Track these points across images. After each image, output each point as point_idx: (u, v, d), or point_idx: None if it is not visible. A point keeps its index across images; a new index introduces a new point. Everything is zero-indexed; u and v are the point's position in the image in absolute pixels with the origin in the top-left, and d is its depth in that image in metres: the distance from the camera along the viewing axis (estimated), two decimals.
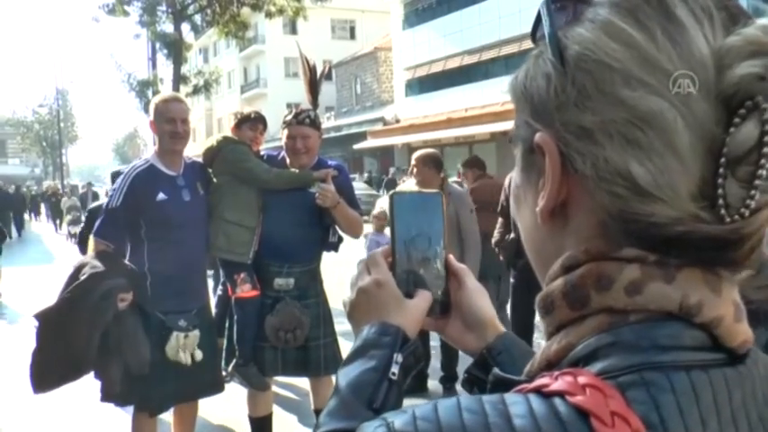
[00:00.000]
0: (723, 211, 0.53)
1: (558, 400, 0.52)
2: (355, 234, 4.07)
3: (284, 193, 3.76)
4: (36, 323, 3.36)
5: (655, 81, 0.54)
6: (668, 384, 0.53)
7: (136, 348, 3.38)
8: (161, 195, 3.57)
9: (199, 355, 3.62)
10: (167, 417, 4.06)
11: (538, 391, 0.55)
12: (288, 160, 3.88)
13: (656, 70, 0.54)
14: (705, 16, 0.55)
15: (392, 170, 30.10)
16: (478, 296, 0.96)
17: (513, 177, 0.71)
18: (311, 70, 4.04)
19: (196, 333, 3.63)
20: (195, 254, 3.76)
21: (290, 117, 3.83)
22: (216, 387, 3.88)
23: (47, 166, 74.14)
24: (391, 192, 0.97)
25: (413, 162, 5.18)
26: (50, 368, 3.37)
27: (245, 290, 3.75)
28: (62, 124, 54.42)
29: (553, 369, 0.58)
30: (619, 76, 0.55)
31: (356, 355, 0.86)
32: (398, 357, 0.85)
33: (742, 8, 0.57)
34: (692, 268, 0.56)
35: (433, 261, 0.94)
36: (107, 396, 3.56)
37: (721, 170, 0.52)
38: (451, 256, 0.96)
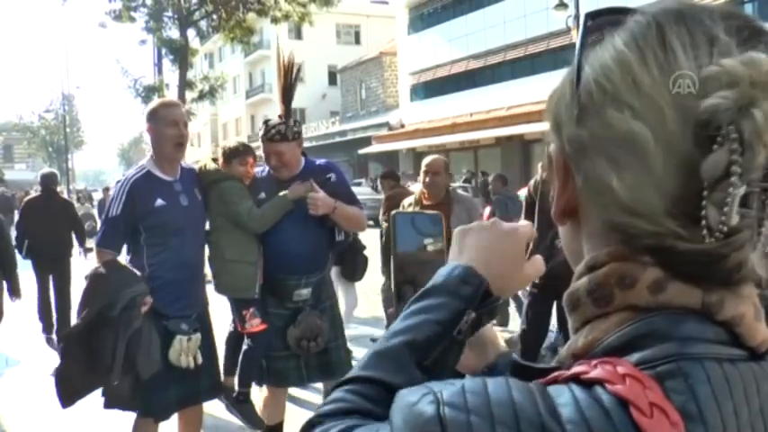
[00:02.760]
0: (705, 232, 0.55)
1: (599, 389, 0.54)
2: (358, 229, 4.06)
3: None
4: (62, 344, 3.41)
5: (639, 104, 0.58)
6: (704, 375, 0.54)
7: (149, 354, 3.40)
8: (159, 201, 3.55)
9: (200, 358, 3.62)
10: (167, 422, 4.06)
11: (576, 377, 0.57)
12: (273, 172, 3.82)
13: (641, 94, 0.58)
14: (704, 42, 0.58)
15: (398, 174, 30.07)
16: None
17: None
18: (287, 71, 3.82)
19: (198, 336, 3.63)
20: (194, 258, 3.75)
21: (261, 133, 3.74)
22: (215, 390, 3.88)
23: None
24: (393, 212, 0.98)
25: (423, 168, 5.05)
26: (78, 382, 3.42)
27: (255, 324, 3.77)
28: (68, 129, 54.50)
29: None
30: (609, 98, 0.59)
31: (428, 293, 0.77)
32: (471, 315, 0.76)
33: (757, 26, 0.60)
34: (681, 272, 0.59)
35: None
36: (112, 402, 3.57)
37: (705, 193, 0.55)
38: None
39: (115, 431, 4.38)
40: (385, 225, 5.94)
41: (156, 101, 3.88)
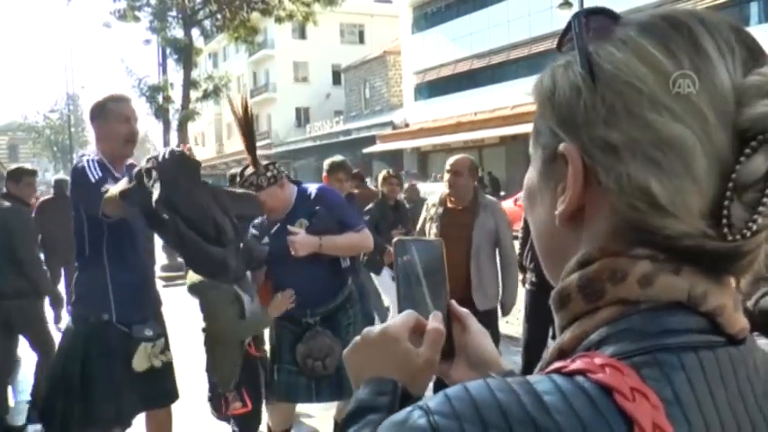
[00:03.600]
0: (726, 230, 0.58)
1: (580, 378, 0.56)
2: (357, 252, 3.96)
3: (280, 247, 3.53)
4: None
5: (678, 108, 0.58)
6: (678, 363, 0.57)
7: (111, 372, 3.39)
8: None
9: (168, 356, 3.60)
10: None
11: (557, 372, 0.58)
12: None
13: (680, 98, 0.58)
14: (728, 51, 0.60)
15: (401, 174, 30.08)
16: (482, 337, 0.99)
17: (527, 177, 0.73)
18: (244, 118, 3.53)
19: (162, 341, 3.56)
20: (149, 261, 3.70)
21: (239, 185, 3.57)
22: (173, 395, 3.77)
23: (57, 170, 74.48)
24: (395, 239, 0.99)
25: (448, 167, 4.60)
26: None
27: (237, 407, 3.69)
28: (73, 129, 54.65)
29: (566, 357, 0.61)
30: (646, 99, 0.59)
31: (352, 418, 0.81)
32: None
33: (760, 46, 0.62)
34: (696, 266, 0.61)
35: (435, 305, 0.95)
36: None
37: (728, 194, 0.57)
38: (453, 301, 0.98)
39: None
40: None
41: (103, 95, 3.59)
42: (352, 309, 3.84)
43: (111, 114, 3.47)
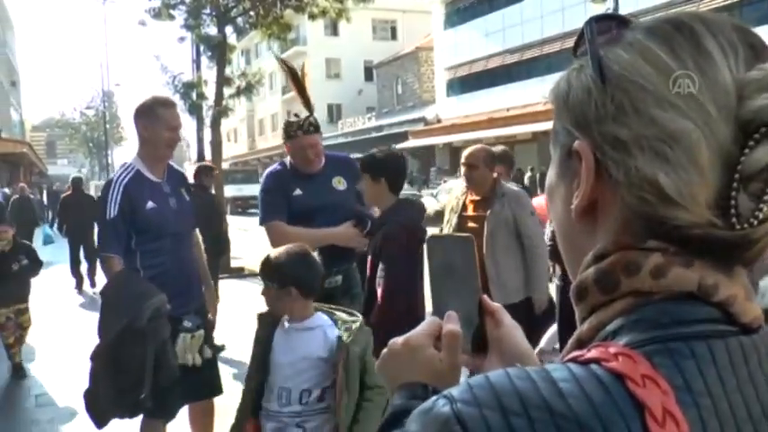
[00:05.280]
0: (734, 220, 0.61)
1: (594, 366, 0.59)
2: None
3: (322, 202, 3.76)
4: (91, 364, 3.42)
5: (683, 104, 0.62)
6: (689, 351, 0.60)
7: (169, 363, 3.41)
8: (150, 204, 3.49)
9: (208, 352, 3.63)
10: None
11: (573, 360, 0.61)
12: (297, 168, 3.87)
13: (685, 95, 0.62)
14: (731, 50, 0.63)
15: (433, 170, 30.05)
16: (515, 332, 1.00)
17: (548, 176, 0.78)
18: (293, 75, 4.00)
19: (201, 333, 3.60)
20: (187, 257, 3.74)
21: (295, 129, 3.78)
22: (217, 387, 3.84)
23: (93, 166, 75.68)
24: (428, 236, 1.03)
25: (463, 160, 4.53)
26: (111, 400, 3.42)
27: None
28: (108, 126, 55.41)
29: (584, 347, 0.64)
30: (652, 97, 0.63)
31: (387, 426, 0.84)
32: None
33: (765, 44, 0.66)
34: (706, 257, 0.64)
35: (467, 301, 0.98)
36: (124, 413, 3.54)
37: (735, 185, 0.60)
38: (485, 296, 1.00)
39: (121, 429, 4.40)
40: None
41: (150, 98, 3.72)
42: (358, 272, 4.00)
43: (157, 118, 3.56)
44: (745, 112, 0.61)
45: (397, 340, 0.95)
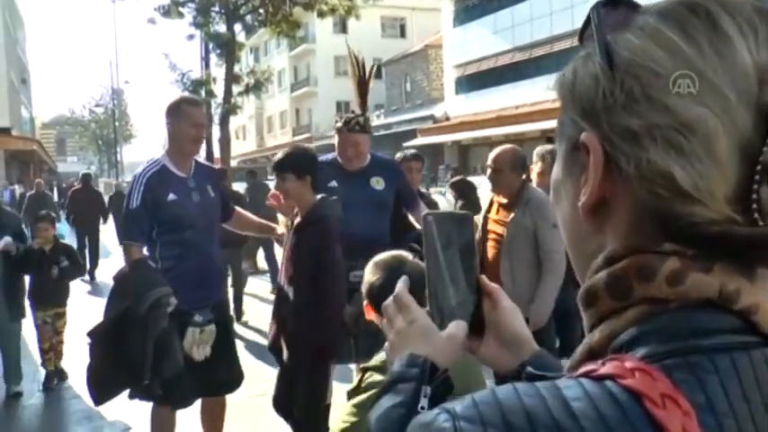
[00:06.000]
0: (756, 216, 0.56)
1: (609, 383, 0.55)
2: None
3: (355, 198, 3.86)
4: (89, 340, 3.49)
5: (699, 90, 0.57)
6: (711, 366, 0.55)
7: (174, 355, 3.46)
8: (172, 196, 3.61)
9: (208, 350, 3.65)
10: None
11: (586, 376, 0.57)
12: (341, 162, 4.03)
13: (701, 80, 0.57)
14: (750, 31, 0.58)
15: (441, 168, 30.01)
16: (514, 315, 0.98)
17: (553, 172, 0.73)
18: (361, 69, 4.17)
19: (212, 328, 3.66)
20: (207, 252, 3.79)
21: (340, 124, 3.94)
22: (235, 383, 3.91)
23: (102, 163, 75.96)
24: (424, 213, 0.98)
25: (489, 162, 4.28)
26: (111, 380, 3.51)
27: None
28: (117, 123, 55.59)
29: (596, 358, 0.60)
30: (664, 82, 0.58)
31: (385, 390, 0.88)
32: (427, 390, 0.85)
33: None
34: (727, 261, 0.59)
35: (464, 281, 0.95)
36: (134, 393, 3.64)
37: (756, 177, 0.56)
38: (483, 276, 0.98)
39: (134, 415, 4.43)
40: None
41: (178, 97, 3.92)
42: None
43: (183, 116, 3.70)
44: (767, 99, 0.56)
45: (399, 324, 0.95)
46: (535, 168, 5.05)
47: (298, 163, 3.51)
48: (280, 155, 3.59)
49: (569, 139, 0.67)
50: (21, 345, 6.07)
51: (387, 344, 0.96)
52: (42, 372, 6.25)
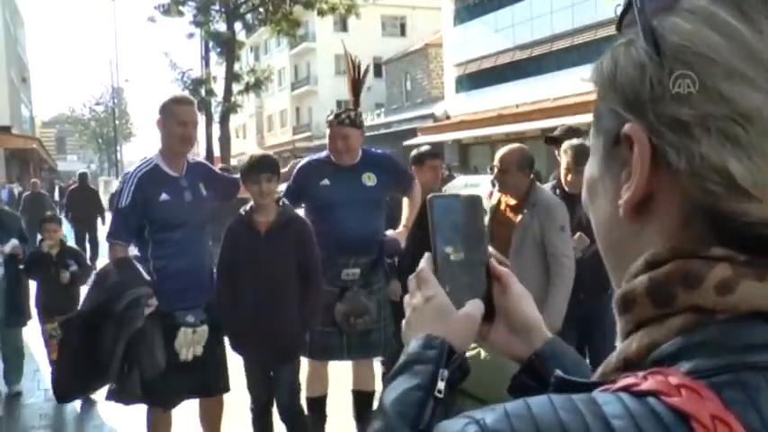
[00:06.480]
0: None
1: (652, 400, 0.50)
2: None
3: (346, 196, 3.92)
4: (60, 333, 3.48)
5: (759, 76, 0.52)
6: (765, 384, 0.51)
7: (153, 356, 3.44)
8: (164, 196, 3.60)
9: (199, 350, 3.64)
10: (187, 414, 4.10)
11: (626, 390, 0.53)
12: (333, 158, 4.05)
13: (759, 65, 0.52)
14: None
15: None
16: (524, 300, 0.95)
17: (587, 170, 0.67)
18: (355, 68, 4.20)
19: (204, 329, 3.65)
20: (199, 252, 3.78)
21: (331, 117, 3.98)
22: (222, 386, 3.87)
23: (102, 162, 75.97)
24: (429, 195, 0.95)
25: (496, 162, 4.16)
26: (74, 377, 3.48)
27: None
28: (117, 121, 55.57)
29: (633, 368, 0.56)
30: (720, 69, 0.53)
31: (400, 370, 0.85)
32: (444, 373, 0.82)
33: None
34: None
35: (474, 265, 0.93)
36: (111, 395, 3.61)
37: None
38: (493, 260, 0.95)
39: (134, 415, 4.41)
40: None
41: (169, 96, 3.89)
42: (384, 272, 4.18)
43: (170, 114, 3.70)
44: None
45: (417, 299, 0.92)
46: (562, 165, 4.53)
47: (276, 166, 3.77)
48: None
49: (608, 132, 0.62)
50: (22, 345, 6.03)
51: (404, 321, 0.94)
52: (42, 372, 6.24)
